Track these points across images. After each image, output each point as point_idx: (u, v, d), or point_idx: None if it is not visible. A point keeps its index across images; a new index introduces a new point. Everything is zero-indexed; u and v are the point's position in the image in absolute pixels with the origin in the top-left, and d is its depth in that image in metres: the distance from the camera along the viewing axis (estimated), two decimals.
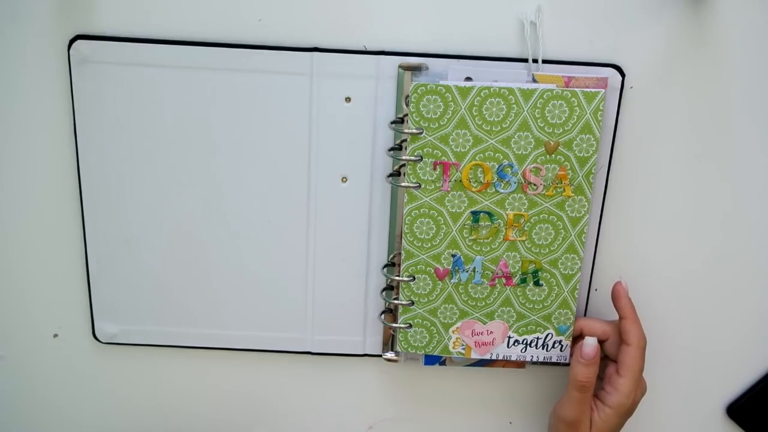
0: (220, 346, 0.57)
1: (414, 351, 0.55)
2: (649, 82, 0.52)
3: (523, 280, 0.53)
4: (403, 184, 0.51)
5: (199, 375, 0.59)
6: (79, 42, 0.50)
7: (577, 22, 0.51)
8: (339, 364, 0.59)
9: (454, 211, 0.52)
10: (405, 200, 0.52)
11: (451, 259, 0.53)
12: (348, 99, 0.51)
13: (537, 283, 0.53)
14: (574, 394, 0.52)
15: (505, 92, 0.49)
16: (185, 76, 0.51)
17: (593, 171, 0.51)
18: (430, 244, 0.52)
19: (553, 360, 0.55)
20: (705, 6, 0.50)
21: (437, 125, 0.50)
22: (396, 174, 0.52)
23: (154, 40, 0.50)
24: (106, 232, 0.54)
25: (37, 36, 0.51)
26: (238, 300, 0.56)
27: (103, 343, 0.58)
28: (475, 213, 0.52)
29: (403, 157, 0.51)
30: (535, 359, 0.55)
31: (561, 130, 0.50)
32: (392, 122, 0.51)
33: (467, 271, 0.53)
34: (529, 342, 0.55)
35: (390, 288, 0.55)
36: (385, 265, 0.55)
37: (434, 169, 0.51)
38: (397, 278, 0.54)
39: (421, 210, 0.52)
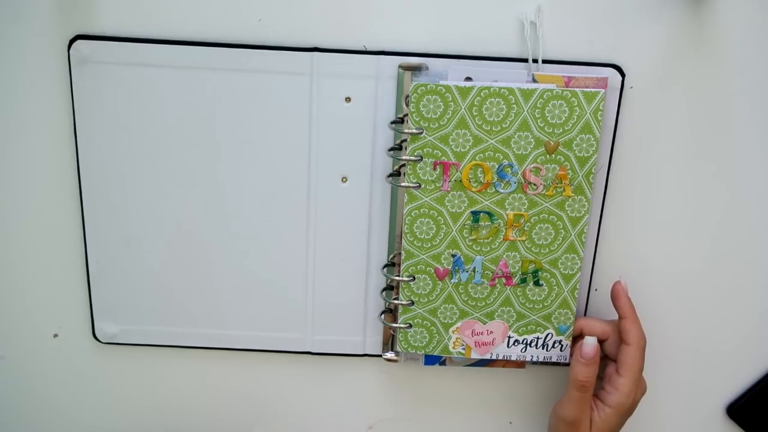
0: (220, 346, 0.57)
1: (414, 351, 0.55)
2: (649, 82, 0.52)
3: (523, 280, 0.53)
4: (403, 184, 0.51)
5: (199, 375, 0.59)
6: (79, 42, 0.50)
7: (577, 22, 0.51)
8: (339, 364, 0.59)
9: (454, 211, 0.52)
10: (405, 200, 0.52)
11: (451, 259, 0.53)
12: (348, 99, 0.51)
13: (537, 283, 0.53)
14: (574, 393, 0.52)
15: (505, 92, 0.49)
16: (185, 76, 0.51)
17: (593, 171, 0.51)
18: (430, 244, 0.52)
19: (553, 360, 0.55)
20: (705, 6, 0.50)
21: (437, 125, 0.50)
22: (396, 174, 0.52)
23: (154, 40, 0.50)
24: (106, 232, 0.54)
25: (37, 36, 0.51)
26: (238, 300, 0.56)
27: (103, 343, 0.58)
28: (475, 213, 0.52)
29: (403, 157, 0.51)
30: (535, 359, 0.55)
31: (561, 130, 0.50)
32: (392, 122, 0.51)
33: (467, 271, 0.53)
34: (529, 342, 0.55)
35: (390, 288, 0.55)
36: (385, 265, 0.55)
37: (434, 169, 0.51)
38: (397, 278, 0.54)
39: (421, 210, 0.52)
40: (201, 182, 0.53)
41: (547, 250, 0.52)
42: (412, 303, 0.54)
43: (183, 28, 0.51)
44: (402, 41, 0.51)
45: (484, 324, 0.54)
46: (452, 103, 0.49)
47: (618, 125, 0.52)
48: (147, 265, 0.55)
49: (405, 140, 0.51)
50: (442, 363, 0.57)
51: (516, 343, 0.55)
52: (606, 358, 0.54)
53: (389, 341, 0.57)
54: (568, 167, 0.50)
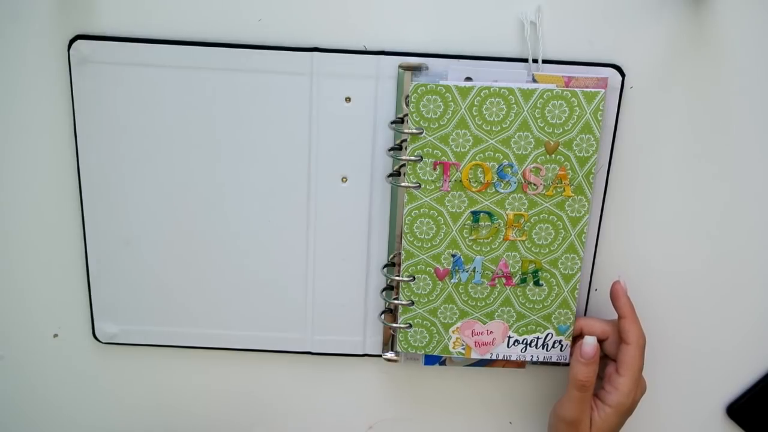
0: (220, 346, 0.57)
1: (414, 351, 0.55)
2: (649, 82, 0.52)
3: (523, 280, 0.53)
4: (403, 184, 0.51)
5: (199, 375, 0.59)
6: (79, 42, 0.50)
7: (577, 22, 0.51)
8: (339, 364, 0.59)
9: (454, 211, 0.52)
10: (405, 200, 0.52)
11: (451, 259, 0.53)
12: (348, 99, 0.51)
13: (537, 283, 0.53)
14: (574, 393, 0.52)
15: (505, 92, 0.49)
16: (185, 76, 0.51)
17: (593, 171, 0.51)
18: (430, 244, 0.52)
19: (553, 360, 0.55)
20: (705, 6, 0.50)
21: (437, 125, 0.50)
22: (396, 174, 0.52)
23: (154, 40, 0.50)
24: (106, 232, 0.54)
25: (37, 36, 0.51)
26: (239, 300, 0.56)
27: (103, 343, 0.58)
28: (475, 213, 0.52)
29: (403, 157, 0.51)
30: (535, 359, 0.55)
31: (561, 130, 0.50)
32: (392, 122, 0.51)
33: (467, 271, 0.53)
34: (529, 342, 0.55)
35: (390, 288, 0.55)
36: (385, 265, 0.55)
37: (434, 169, 0.51)
38: (397, 278, 0.54)
39: (421, 210, 0.52)
40: (201, 182, 0.53)
41: (547, 250, 0.52)
42: (412, 303, 0.54)
43: (183, 28, 0.51)
44: (402, 41, 0.51)
45: (484, 324, 0.54)
46: (452, 103, 0.49)
47: (618, 125, 0.52)
48: (147, 265, 0.55)
49: (405, 140, 0.51)
50: (442, 363, 0.57)
51: (516, 343, 0.55)
52: (606, 358, 0.54)
53: (389, 341, 0.57)
54: (568, 167, 0.50)
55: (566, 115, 0.49)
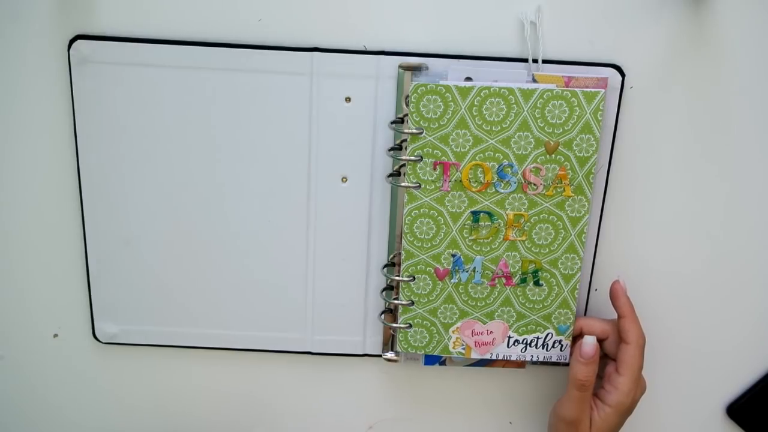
0: (220, 346, 0.57)
1: (414, 351, 0.55)
2: (649, 82, 0.52)
3: (523, 280, 0.53)
4: (403, 184, 0.51)
5: (199, 375, 0.59)
6: (79, 42, 0.50)
7: (577, 22, 0.51)
8: (339, 364, 0.59)
9: (454, 211, 0.52)
10: (405, 200, 0.52)
11: (451, 259, 0.53)
12: (348, 99, 0.51)
13: (537, 283, 0.53)
14: (573, 393, 0.52)
15: (505, 92, 0.49)
16: (185, 76, 0.51)
17: (593, 171, 0.51)
18: (430, 244, 0.52)
19: (553, 360, 0.55)
20: (705, 6, 0.50)
21: (437, 125, 0.50)
22: (396, 174, 0.52)
23: (154, 40, 0.50)
24: (106, 232, 0.54)
25: (37, 36, 0.51)
26: (238, 300, 0.56)
27: (103, 343, 0.58)
28: (475, 213, 0.52)
29: (403, 157, 0.51)
30: (535, 359, 0.55)
31: (561, 130, 0.50)
32: (392, 122, 0.51)
33: (467, 271, 0.53)
34: (529, 342, 0.55)
35: (390, 288, 0.55)
36: (385, 265, 0.55)
37: (434, 169, 0.51)
38: (397, 278, 0.54)
39: (421, 210, 0.52)
40: (201, 182, 0.53)
41: (547, 250, 0.52)
42: (412, 303, 0.54)
43: (182, 28, 0.51)
44: (402, 41, 0.51)
45: (484, 324, 0.54)
46: (452, 103, 0.49)
47: (618, 125, 0.52)
48: (147, 265, 0.55)
49: (405, 140, 0.51)
50: (442, 363, 0.57)
51: (516, 343, 0.55)
52: (606, 358, 0.54)
53: (389, 341, 0.57)
54: (568, 167, 0.50)
55: (566, 115, 0.49)
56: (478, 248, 0.52)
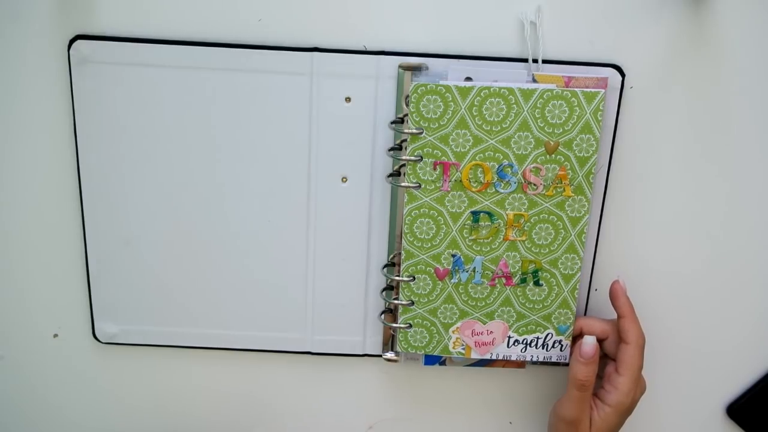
0: (220, 346, 0.57)
1: (414, 351, 0.55)
2: (649, 82, 0.52)
3: (523, 280, 0.53)
4: (403, 184, 0.51)
5: (199, 375, 0.59)
6: (79, 42, 0.50)
7: (577, 22, 0.51)
8: (339, 364, 0.59)
9: (454, 211, 0.52)
10: (405, 200, 0.52)
11: (451, 259, 0.53)
12: (348, 99, 0.51)
13: (537, 283, 0.53)
14: (573, 393, 0.52)
15: (505, 92, 0.49)
16: (185, 76, 0.51)
17: (593, 171, 0.51)
18: (430, 244, 0.52)
19: (553, 360, 0.55)
20: (705, 6, 0.50)
21: (437, 125, 0.50)
22: (396, 174, 0.52)
23: (154, 40, 0.50)
24: (106, 232, 0.54)
25: (37, 36, 0.51)
26: (238, 300, 0.56)
27: (103, 343, 0.58)
28: (475, 213, 0.52)
29: (403, 157, 0.51)
30: (535, 359, 0.55)
31: (561, 130, 0.50)
32: (392, 122, 0.51)
33: (467, 271, 0.53)
34: (529, 342, 0.55)
35: (390, 288, 0.55)
36: (385, 265, 0.55)
37: (434, 169, 0.51)
38: (397, 278, 0.54)
39: (421, 210, 0.52)
40: (201, 182, 0.53)
41: (547, 250, 0.52)
42: (412, 303, 0.54)
43: (182, 28, 0.51)
44: (402, 41, 0.51)
45: (484, 324, 0.54)
46: (452, 103, 0.49)
47: (618, 125, 0.52)
48: (147, 265, 0.55)
49: (405, 140, 0.51)
50: (442, 363, 0.57)
51: (516, 343, 0.55)
52: (605, 357, 0.54)
53: (389, 341, 0.57)
54: (568, 167, 0.50)
55: (566, 115, 0.49)
56: (478, 248, 0.52)
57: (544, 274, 0.53)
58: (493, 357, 0.55)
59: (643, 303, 0.54)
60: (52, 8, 0.50)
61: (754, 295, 0.57)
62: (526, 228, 0.52)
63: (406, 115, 0.51)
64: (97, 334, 0.57)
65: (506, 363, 0.57)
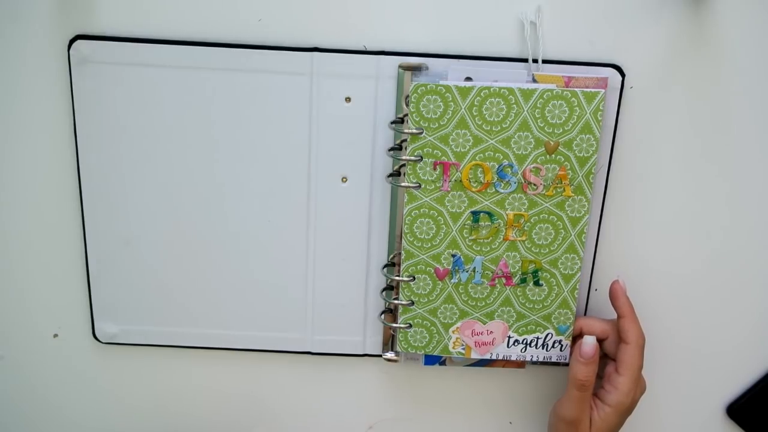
0: (220, 346, 0.57)
1: (414, 351, 0.55)
2: (649, 82, 0.52)
3: (523, 280, 0.53)
4: (403, 184, 0.51)
5: (199, 375, 0.59)
6: (79, 42, 0.50)
7: (577, 22, 0.51)
8: (339, 364, 0.59)
9: (454, 211, 0.52)
10: (405, 200, 0.52)
11: (451, 259, 0.53)
12: (348, 99, 0.51)
13: (537, 283, 0.53)
14: (573, 392, 0.52)
15: (505, 92, 0.49)
16: (185, 76, 0.51)
17: (593, 171, 0.51)
18: (430, 244, 0.52)
19: (553, 360, 0.55)
20: (705, 6, 0.50)
21: (437, 125, 0.50)
22: (396, 174, 0.52)
23: (154, 40, 0.50)
24: (106, 232, 0.54)
25: (37, 36, 0.51)
26: (238, 300, 0.56)
27: (103, 343, 0.58)
28: (475, 213, 0.52)
29: (403, 157, 0.51)
30: (535, 359, 0.55)
31: (561, 130, 0.50)
32: (392, 122, 0.51)
33: (467, 271, 0.53)
34: (529, 342, 0.55)
35: (390, 288, 0.55)
36: (385, 265, 0.55)
37: (434, 169, 0.51)
38: (397, 278, 0.54)
39: (421, 210, 0.52)
40: (201, 182, 0.53)
41: (547, 250, 0.52)
42: (412, 303, 0.54)
43: (182, 28, 0.51)
44: (402, 41, 0.51)
45: (484, 324, 0.54)
46: (452, 103, 0.49)
47: (618, 125, 0.52)
48: (147, 265, 0.55)
49: (405, 140, 0.51)
50: (442, 363, 0.57)
51: (516, 343, 0.55)
52: (605, 357, 0.54)
53: (389, 341, 0.57)
54: (568, 167, 0.50)
55: (566, 115, 0.49)
56: (478, 248, 0.52)
57: (544, 274, 0.53)
58: (493, 357, 0.55)
59: (643, 303, 0.54)
60: (52, 8, 0.50)
61: (754, 295, 0.57)
62: (526, 228, 0.52)
63: (406, 115, 0.51)
64: (97, 334, 0.57)
65: (506, 363, 0.57)
